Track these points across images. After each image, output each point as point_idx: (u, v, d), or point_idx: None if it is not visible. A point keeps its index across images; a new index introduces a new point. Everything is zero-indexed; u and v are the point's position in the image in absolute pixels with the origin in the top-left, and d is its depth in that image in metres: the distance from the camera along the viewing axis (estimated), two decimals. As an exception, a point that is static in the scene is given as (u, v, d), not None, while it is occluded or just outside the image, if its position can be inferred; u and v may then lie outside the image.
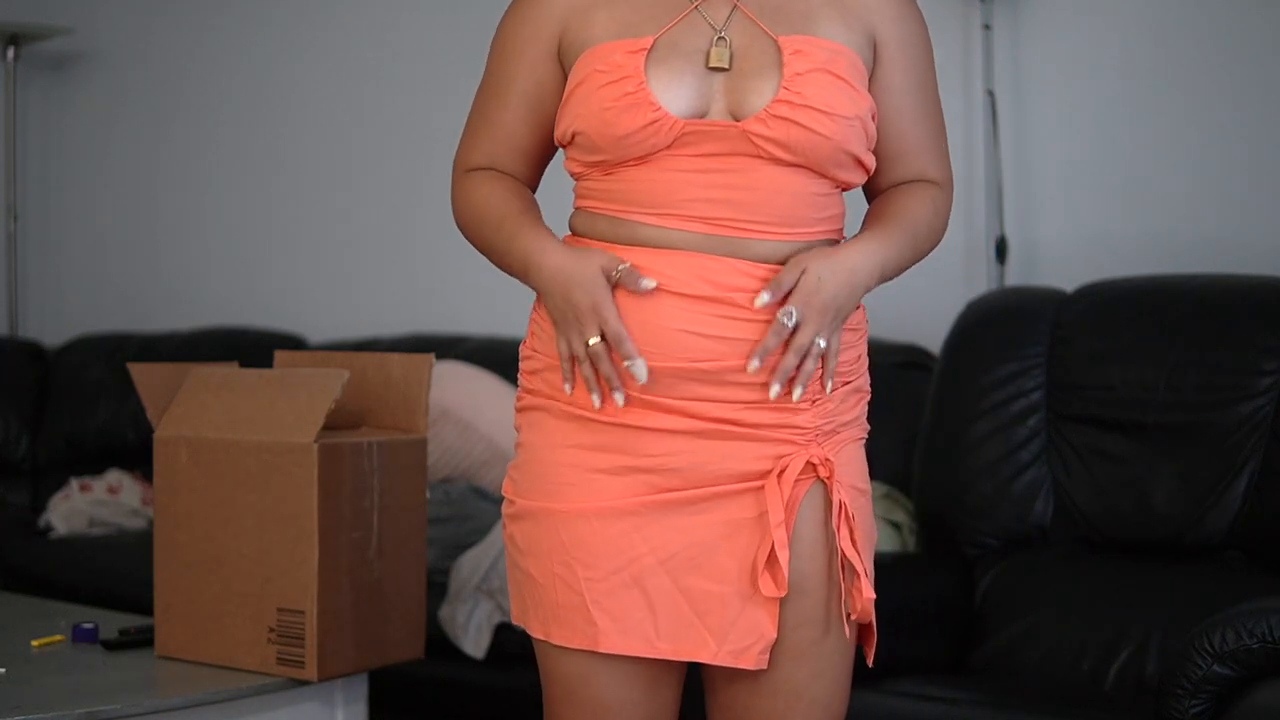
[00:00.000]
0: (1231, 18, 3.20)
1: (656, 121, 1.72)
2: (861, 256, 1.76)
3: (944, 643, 2.80)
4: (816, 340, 1.73)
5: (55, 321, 5.12)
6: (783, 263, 1.74)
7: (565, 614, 1.77)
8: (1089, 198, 3.36)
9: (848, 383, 1.80)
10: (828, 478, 1.76)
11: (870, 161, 1.80)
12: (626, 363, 1.73)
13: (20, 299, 5.13)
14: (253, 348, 4.09)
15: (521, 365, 1.87)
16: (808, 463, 1.75)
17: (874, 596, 1.78)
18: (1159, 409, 2.78)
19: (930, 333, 3.26)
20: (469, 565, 3.16)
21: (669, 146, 1.73)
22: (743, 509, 1.75)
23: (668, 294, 1.73)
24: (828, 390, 1.77)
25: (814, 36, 1.76)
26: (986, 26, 3.40)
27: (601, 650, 1.75)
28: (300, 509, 2.34)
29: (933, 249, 1.89)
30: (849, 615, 1.78)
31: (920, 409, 3.09)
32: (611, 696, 1.78)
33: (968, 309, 3.09)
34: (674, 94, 1.73)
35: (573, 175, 1.84)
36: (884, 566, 2.93)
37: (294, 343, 4.45)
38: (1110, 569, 2.79)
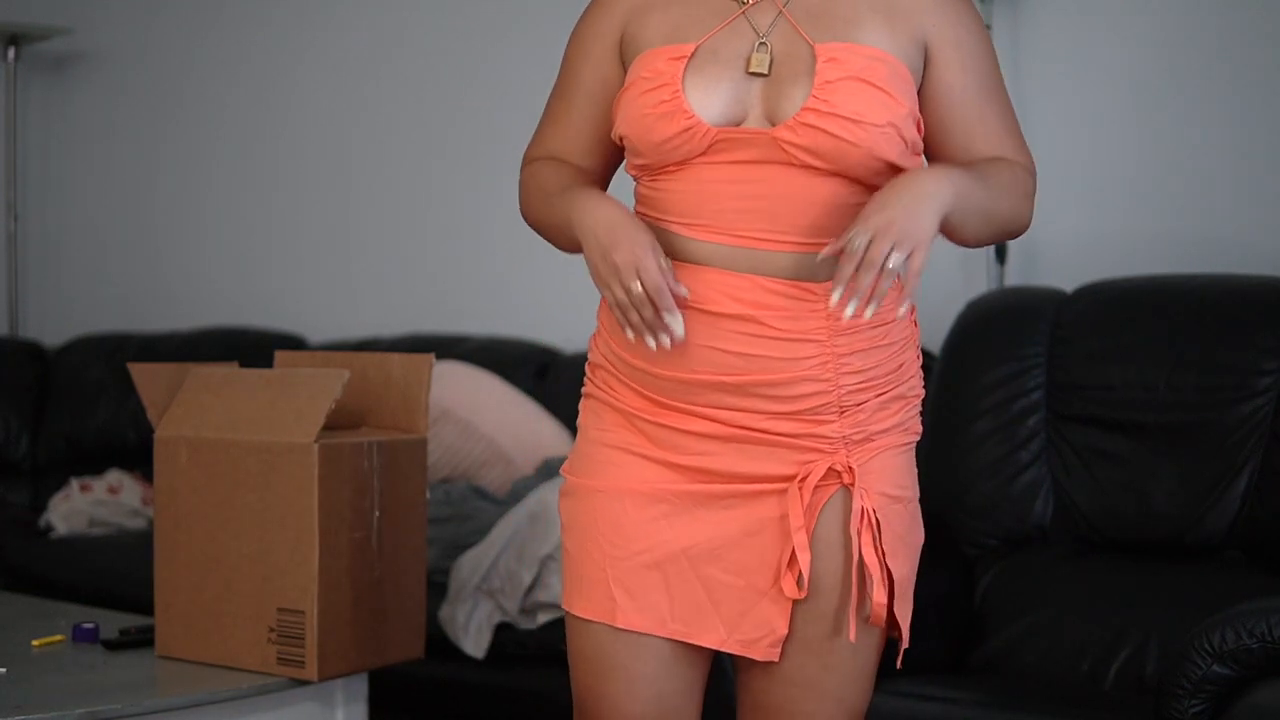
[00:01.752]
0: (1231, 17, 3.20)
1: (690, 129, 1.75)
2: (927, 172, 1.73)
3: (944, 643, 2.80)
4: (890, 255, 1.64)
5: (55, 321, 5.12)
6: (811, 278, 1.75)
7: (588, 587, 1.84)
8: (1089, 198, 3.35)
9: (881, 394, 1.81)
10: (850, 484, 1.79)
11: (910, 167, 1.77)
12: (665, 316, 1.73)
13: (20, 299, 5.13)
14: (253, 348, 4.09)
15: (589, 356, 1.92)
16: (831, 469, 1.78)
17: (885, 602, 1.80)
18: (1159, 409, 2.78)
19: (930, 333, 3.25)
20: (469, 565, 3.16)
21: (704, 153, 1.76)
22: (767, 509, 1.80)
23: (695, 310, 1.76)
24: (900, 312, 1.72)
25: (854, 44, 1.76)
26: (986, 26, 3.39)
27: (618, 625, 1.82)
28: (300, 509, 2.34)
29: (1011, 212, 1.82)
30: (867, 619, 1.81)
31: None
32: (629, 666, 1.84)
33: (968, 309, 3.09)
34: (710, 101, 1.75)
35: (631, 176, 1.89)
36: (884, 566, 2.97)
37: (294, 343, 4.45)
38: (1110, 569, 2.79)
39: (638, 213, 1.84)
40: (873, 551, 1.79)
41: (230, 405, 2.45)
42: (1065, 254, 3.35)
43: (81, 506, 4.17)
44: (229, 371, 2.54)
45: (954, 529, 2.94)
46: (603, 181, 1.93)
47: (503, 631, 3.07)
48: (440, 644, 3.03)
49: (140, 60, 5.05)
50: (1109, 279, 2.98)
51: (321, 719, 2.44)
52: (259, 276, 4.81)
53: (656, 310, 1.73)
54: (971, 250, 3.46)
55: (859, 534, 1.78)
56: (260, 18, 4.77)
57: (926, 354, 3.29)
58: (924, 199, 1.68)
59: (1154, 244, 3.22)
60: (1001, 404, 2.93)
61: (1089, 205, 3.35)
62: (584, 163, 1.91)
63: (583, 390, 1.92)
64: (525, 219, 1.95)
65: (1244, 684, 2.07)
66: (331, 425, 2.39)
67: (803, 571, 1.76)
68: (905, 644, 1.87)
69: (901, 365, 1.84)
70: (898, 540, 1.84)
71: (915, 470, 1.89)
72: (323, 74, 4.64)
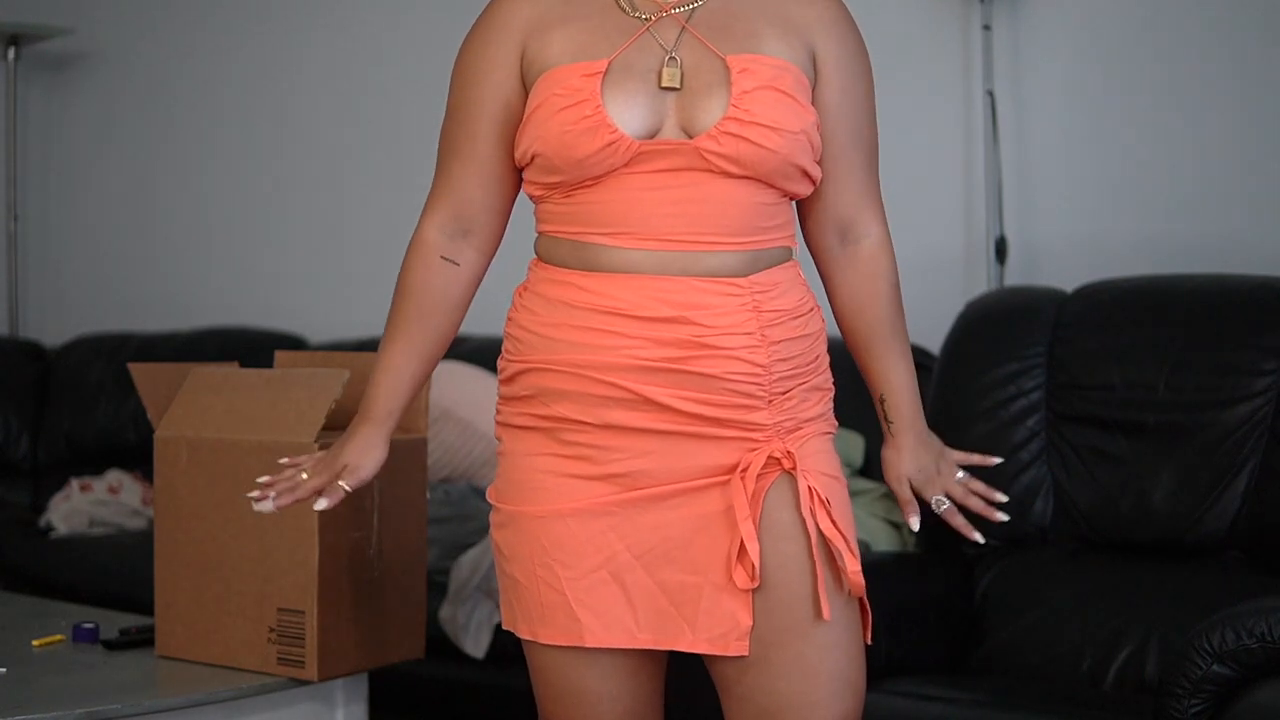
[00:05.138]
0: (1230, 18, 3.20)
1: (614, 143, 1.78)
2: (911, 429, 1.98)
3: (944, 643, 2.80)
4: (954, 485, 1.97)
5: (55, 321, 5.12)
6: (735, 273, 1.81)
7: (550, 613, 1.84)
8: (1089, 198, 3.36)
9: (803, 383, 1.86)
10: (792, 468, 1.82)
11: (816, 173, 1.87)
12: (272, 493, 1.96)
13: (20, 299, 5.14)
14: (253, 348, 4.09)
15: (499, 377, 1.92)
16: (770, 457, 1.81)
17: (859, 568, 1.82)
18: (1159, 409, 2.78)
19: (930, 333, 3.26)
20: (469, 565, 3.17)
21: (625, 165, 1.79)
22: (711, 503, 1.81)
23: (628, 318, 1.79)
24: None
25: (759, 54, 1.82)
26: (986, 27, 3.40)
27: (587, 645, 1.83)
28: (300, 509, 2.33)
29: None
30: (850, 593, 1.83)
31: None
32: (594, 690, 1.85)
33: (968, 309, 3.09)
34: (630, 115, 1.79)
35: (532, 198, 1.90)
36: (884, 566, 2.97)
37: (294, 343, 4.45)
38: (1110, 569, 2.79)
39: (554, 233, 1.86)
40: (830, 525, 1.81)
41: (230, 405, 2.45)
42: (1065, 254, 3.35)
43: (81, 506, 4.17)
44: (229, 371, 2.54)
45: (954, 529, 2.93)
46: (508, 209, 1.95)
47: (503, 631, 3.07)
48: (440, 644, 3.03)
49: (140, 60, 5.05)
50: (1109, 279, 2.98)
51: (321, 719, 2.44)
52: (259, 276, 4.81)
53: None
54: (972, 250, 3.46)
55: (812, 513, 1.80)
56: (259, 18, 4.78)
57: (926, 354, 3.31)
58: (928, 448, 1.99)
59: (1154, 244, 3.22)
60: (1001, 404, 2.93)
61: (1089, 205, 3.35)
62: (493, 194, 1.92)
63: (498, 416, 1.92)
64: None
65: (1244, 684, 2.07)
66: (331, 425, 2.39)
67: (753, 561, 1.78)
68: (869, 617, 1.88)
69: (818, 356, 1.90)
70: (845, 519, 1.86)
71: (839, 461, 1.93)
72: (322, 74, 4.64)
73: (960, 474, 1.96)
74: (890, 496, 3.17)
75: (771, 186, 1.82)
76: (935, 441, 1.99)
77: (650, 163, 1.79)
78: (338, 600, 2.36)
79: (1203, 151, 3.22)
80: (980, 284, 3.39)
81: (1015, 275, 3.38)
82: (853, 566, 1.81)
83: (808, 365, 1.86)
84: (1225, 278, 2.89)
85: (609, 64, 1.80)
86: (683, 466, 1.81)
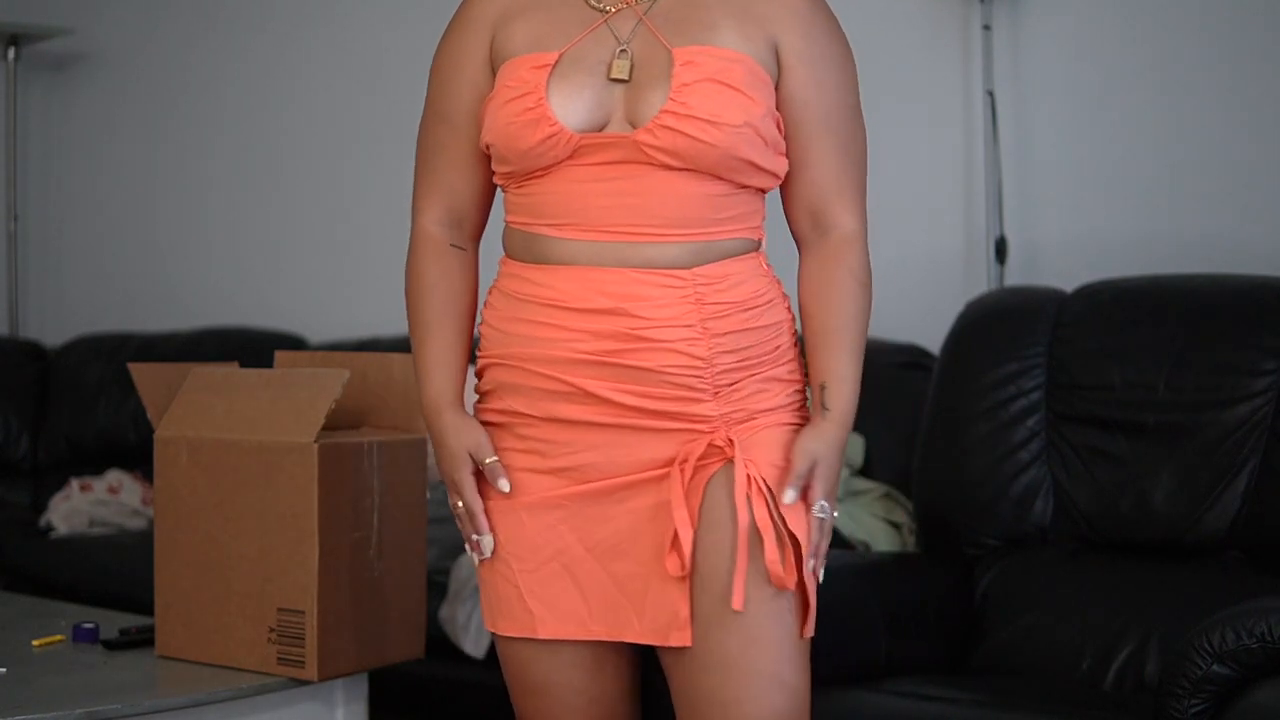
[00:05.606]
0: (1230, 19, 3.20)
1: (554, 136, 1.80)
2: (843, 426, 1.85)
3: (944, 643, 2.80)
4: (823, 504, 1.83)
5: (55, 321, 5.12)
6: (676, 265, 1.81)
7: (506, 605, 1.89)
8: (1089, 198, 3.36)
9: (755, 374, 1.84)
10: (732, 457, 1.81)
11: (772, 165, 1.84)
12: (474, 536, 1.89)
13: (20, 299, 5.14)
14: (253, 348, 4.09)
15: (475, 370, 1.96)
16: (711, 445, 1.81)
17: (777, 558, 1.79)
18: (1159, 409, 2.78)
19: (930, 333, 3.26)
20: (469, 565, 3.17)
21: (570, 157, 1.81)
22: (655, 495, 1.83)
23: (566, 309, 1.81)
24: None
25: (711, 46, 1.81)
26: (986, 27, 3.40)
27: (540, 636, 1.86)
28: (300, 509, 2.34)
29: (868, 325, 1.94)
30: (780, 586, 1.80)
31: (920, 409, 3.09)
32: (554, 680, 1.89)
33: (968, 309, 3.09)
34: (573, 108, 1.80)
35: (500, 187, 1.93)
36: (884, 566, 2.97)
37: (294, 343, 4.45)
38: (1110, 569, 2.79)
39: (511, 224, 1.89)
40: (765, 514, 1.79)
41: (230, 405, 2.45)
42: (1065, 254, 3.35)
43: (81, 506, 4.17)
44: (229, 371, 2.54)
45: (954, 529, 2.94)
46: (490, 203, 1.98)
47: (503, 631, 3.07)
48: (440, 644, 3.03)
49: (140, 60, 5.05)
50: (1109, 279, 2.98)
51: (321, 719, 2.44)
52: (259, 276, 4.81)
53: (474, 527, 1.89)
54: (972, 250, 3.46)
55: (748, 499, 1.79)
56: (260, 18, 4.78)
57: (926, 354, 3.31)
58: (842, 454, 1.87)
59: (1154, 244, 3.22)
60: (1001, 404, 2.93)
61: (1089, 205, 3.35)
62: (476, 188, 1.95)
63: (477, 416, 1.94)
64: (405, 287, 1.98)
65: (1244, 684, 2.07)
66: (331, 425, 2.39)
67: (683, 548, 1.78)
68: (812, 611, 1.83)
69: (778, 348, 1.87)
70: (795, 508, 1.82)
71: None
72: (323, 74, 4.64)
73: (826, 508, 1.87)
74: (890, 496, 3.17)
75: (720, 179, 1.81)
76: (840, 462, 1.88)
77: (593, 155, 1.80)
78: (338, 600, 2.36)
79: (1202, 151, 3.22)
80: (980, 284, 3.39)
81: (1015, 275, 3.38)
82: (771, 556, 1.78)
83: (763, 356, 1.85)
84: (1225, 278, 2.89)
85: (560, 56, 1.82)
86: (627, 460, 1.83)
